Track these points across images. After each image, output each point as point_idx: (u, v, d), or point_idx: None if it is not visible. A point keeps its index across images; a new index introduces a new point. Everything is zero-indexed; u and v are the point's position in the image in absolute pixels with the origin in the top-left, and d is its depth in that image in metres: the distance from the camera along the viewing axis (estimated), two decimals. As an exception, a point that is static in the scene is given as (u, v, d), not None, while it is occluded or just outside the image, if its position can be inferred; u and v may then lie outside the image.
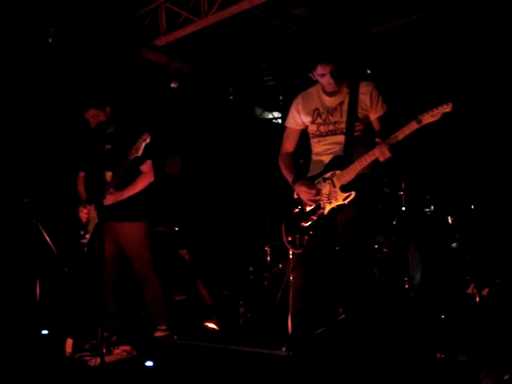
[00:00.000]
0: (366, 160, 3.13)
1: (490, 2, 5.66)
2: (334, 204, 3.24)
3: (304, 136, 3.60)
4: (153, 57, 6.42)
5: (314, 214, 3.31)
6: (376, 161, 3.13)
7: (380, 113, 3.31)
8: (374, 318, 3.31)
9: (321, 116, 3.39)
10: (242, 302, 5.35)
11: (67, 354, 3.97)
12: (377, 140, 3.11)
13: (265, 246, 5.67)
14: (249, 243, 6.34)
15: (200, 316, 5.11)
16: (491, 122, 5.92)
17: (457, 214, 5.31)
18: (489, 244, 5.17)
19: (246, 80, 7.95)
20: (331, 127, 3.35)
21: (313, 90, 3.48)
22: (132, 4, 6.09)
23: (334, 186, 3.25)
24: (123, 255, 4.35)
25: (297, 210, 3.40)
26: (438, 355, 3.58)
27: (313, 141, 3.47)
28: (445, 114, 2.93)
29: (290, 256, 3.56)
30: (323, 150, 3.39)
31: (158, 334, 4.24)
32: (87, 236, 4.32)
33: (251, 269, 5.87)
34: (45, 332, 4.34)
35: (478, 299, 4.33)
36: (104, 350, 3.39)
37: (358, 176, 3.18)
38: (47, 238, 4.32)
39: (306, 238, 3.24)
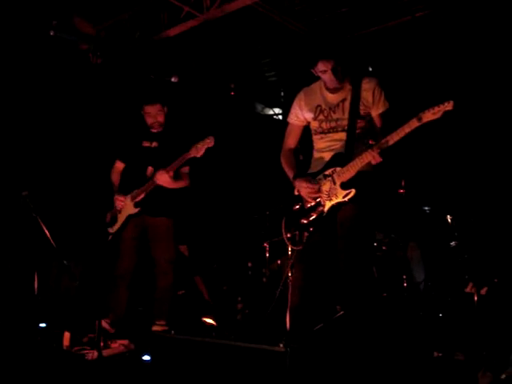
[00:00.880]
0: (360, 161, 3.14)
1: (493, 1, 5.65)
2: (334, 201, 3.24)
3: (305, 132, 3.59)
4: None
5: (313, 211, 3.30)
6: None
7: (381, 109, 3.30)
8: (372, 316, 3.30)
9: (323, 113, 3.38)
10: (240, 298, 5.36)
11: (65, 348, 3.97)
12: (370, 143, 3.11)
13: (264, 242, 5.67)
14: (248, 239, 6.34)
15: (198, 311, 5.11)
16: (492, 120, 5.91)
17: (456, 213, 5.31)
18: (488, 243, 5.17)
19: (247, 76, 7.92)
20: (333, 124, 3.34)
21: (315, 87, 3.47)
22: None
23: (335, 184, 3.24)
24: (142, 250, 4.39)
25: (297, 206, 3.40)
26: (436, 354, 3.59)
27: (315, 137, 3.46)
28: (446, 112, 2.92)
29: (289, 252, 3.56)
30: (325, 146, 3.38)
31: (156, 328, 4.25)
32: (115, 226, 4.34)
33: (250, 265, 5.88)
34: (43, 325, 4.34)
35: (476, 298, 4.33)
36: (101, 344, 3.40)
37: (359, 174, 3.18)
38: (46, 232, 4.33)
39: (306, 234, 3.24)
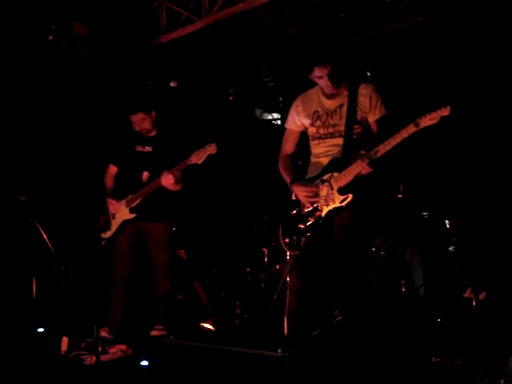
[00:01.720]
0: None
1: (488, 7, 5.67)
2: (332, 206, 3.24)
3: (303, 137, 3.60)
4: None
5: (311, 216, 3.31)
6: None
7: (378, 115, 3.31)
8: (370, 321, 3.30)
9: (320, 118, 3.39)
10: (238, 303, 5.35)
11: (62, 353, 3.97)
12: (361, 152, 3.12)
13: (262, 247, 5.67)
14: (246, 244, 6.34)
15: (196, 316, 5.11)
16: (490, 126, 5.92)
17: (454, 218, 5.31)
18: (486, 248, 5.17)
19: (245, 81, 7.93)
20: (330, 129, 3.35)
21: (312, 92, 3.48)
22: (133, 2, 6.09)
23: (332, 189, 3.25)
24: (136, 255, 4.39)
25: (294, 211, 3.40)
26: (434, 359, 3.58)
27: (312, 143, 3.48)
28: (443, 118, 2.93)
29: (288, 258, 3.56)
30: (322, 151, 3.39)
31: (154, 333, 4.24)
32: (108, 232, 4.34)
33: (248, 270, 5.87)
34: (41, 330, 4.34)
35: (474, 303, 4.33)
36: (100, 349, 3.39)
37: (356, 179, 3.18)
38: (44, 236, 4.32)
39: (303, 239, 3.24)
